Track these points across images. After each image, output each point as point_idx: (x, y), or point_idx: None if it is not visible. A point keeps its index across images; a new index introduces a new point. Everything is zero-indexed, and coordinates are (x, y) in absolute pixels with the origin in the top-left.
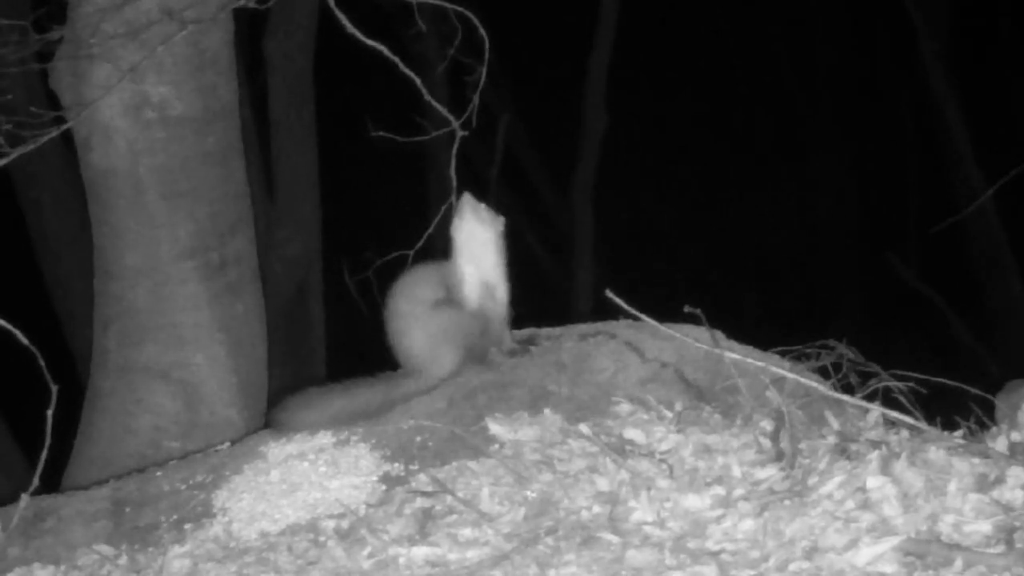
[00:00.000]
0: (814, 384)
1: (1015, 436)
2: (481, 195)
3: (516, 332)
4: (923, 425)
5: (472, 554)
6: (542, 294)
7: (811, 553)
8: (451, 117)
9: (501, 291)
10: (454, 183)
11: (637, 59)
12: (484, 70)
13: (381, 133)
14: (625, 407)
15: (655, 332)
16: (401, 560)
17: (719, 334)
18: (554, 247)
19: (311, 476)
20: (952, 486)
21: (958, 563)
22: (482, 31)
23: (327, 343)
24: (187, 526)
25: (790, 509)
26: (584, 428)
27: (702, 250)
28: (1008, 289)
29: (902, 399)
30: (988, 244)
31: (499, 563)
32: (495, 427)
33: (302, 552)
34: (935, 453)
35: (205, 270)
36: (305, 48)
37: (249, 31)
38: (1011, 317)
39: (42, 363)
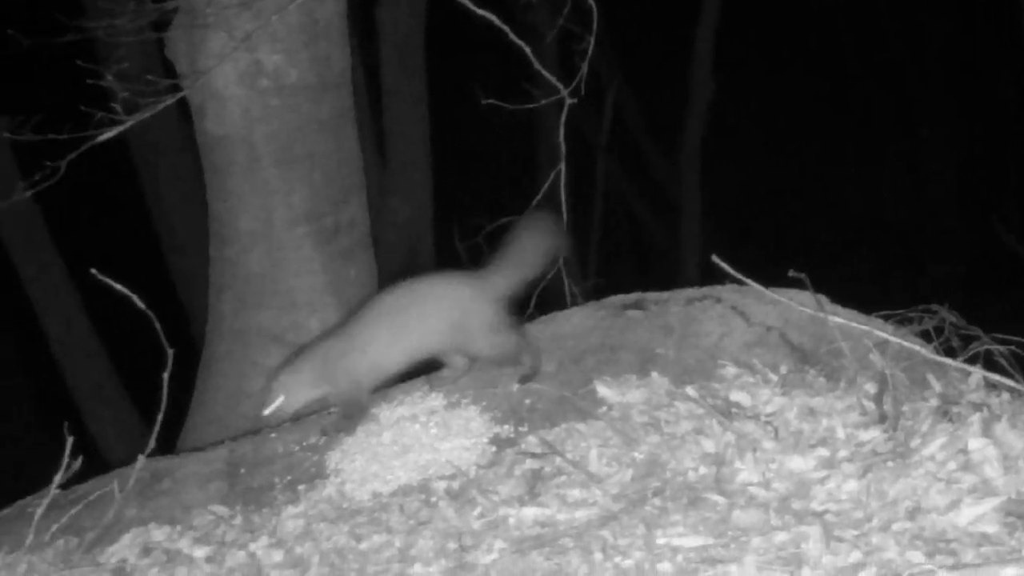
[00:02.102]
0: (917, 347)
1: None
2: (590, 162)
3: (625, 296)
4: None
5: (580, 514)
6: (650, 259)
7: (913, 513)
8: (560, 85)
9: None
10: (563, 150)
11: (744, 27)
12: (592, 39)
13: (491, 101)
14: (731, 370)
15: (760, 296)
16: (511, 520)
17: (823, 298)
18: (661, 213)
19: (422, 438)
20: None
21: None
22: (591, 0)
23: None
24: (301, 487)
25: (893, 470)
26: (691, 391)
27: (807, 215)
28: None
29: (1003, 362)
30: None
31: (607, 523)
32: (603, 390)
33: (413, 512)
34: None
35: (319, 235)
36: (417, 17)
37: (362, 1)
38: None
39: (158, 327)
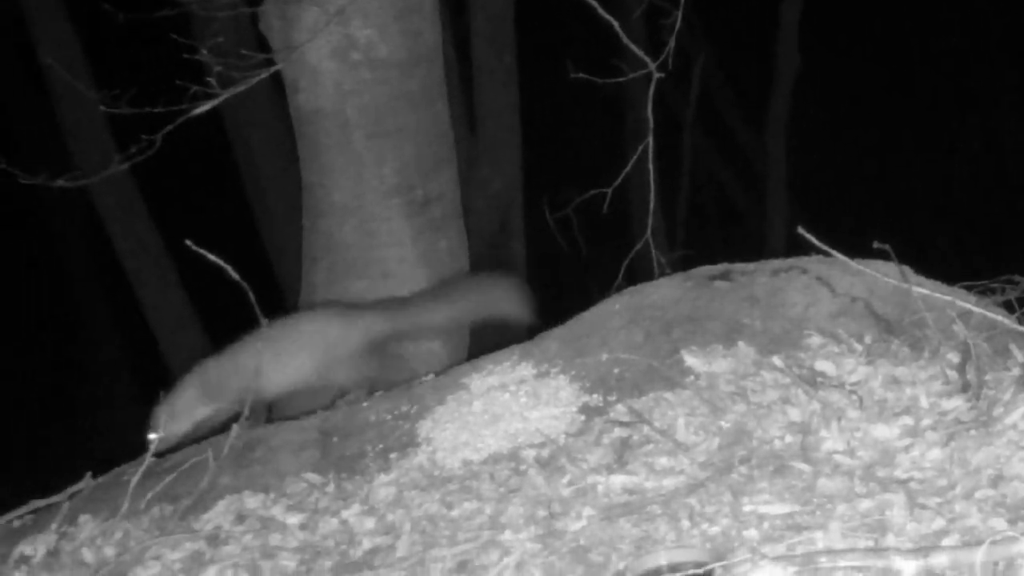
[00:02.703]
0: (999, 318)
1: None
2: (677, 135)
3: (711, 267)
4: None
5: (668, 482)
6: (736, 231)
7: (996, 481)
8: (648, 60)
9: None
10: (651, 123)
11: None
12: (680, 14)
13: (580, 75)
14: (816, 340)
15: (845, 267)
16: (599, 488)
17: (908, 269)
18: (748, 185)
19: (512, 407)
20: None
21: None
22: None
23: (527, 279)
24: (392, 455)
25: (976, 439)
26: (777, 360)
27: (891, 187)
28: None
29: None
30: None
31: (694, 491)
32: (691, 359)
33: (504, 480)
34: None
35: (410, 207)
36: None
37: None
38: None
39: (252, 298)
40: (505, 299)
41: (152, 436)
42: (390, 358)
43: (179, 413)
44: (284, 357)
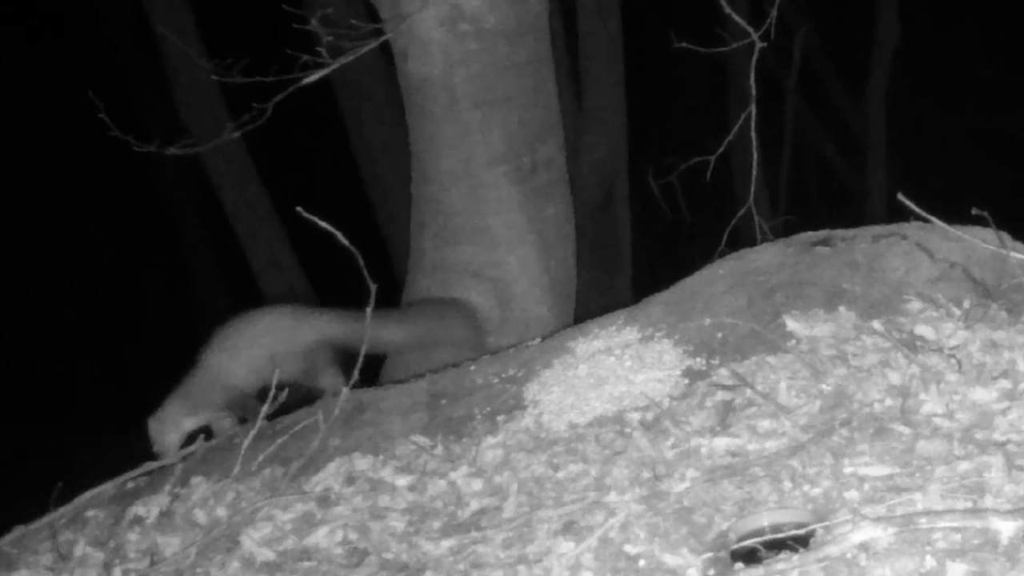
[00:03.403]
0: None
1: None
2: (779, 103)
3: (813, 233)
4: None
5: (770, 444)
6: (837, 198)
7: None
8: (751, 29)
9: None
10: (753, 92)
11: None
12: None
13: (684, 44)
14: (915, 304)
15: (944, 233)
16: (703, 450)
17: (1005, 235)
18: (849, 152)
19: (617, 370)
20: None
21: None
22: None
23: (632, 245)
24: (499, 418)
25: None
26: (877, 324)
27: (990, 154)
28: None
29: None
30: None
31: (796, 453)
32: (792, 323)
33: (609, 442)
34: None
35: (517, 174)
36: None
37: None
38: None
39: (361, 263)
40: (456, 325)
41: (158, 448)
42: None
43: (168, 427)
44: (240, 351)
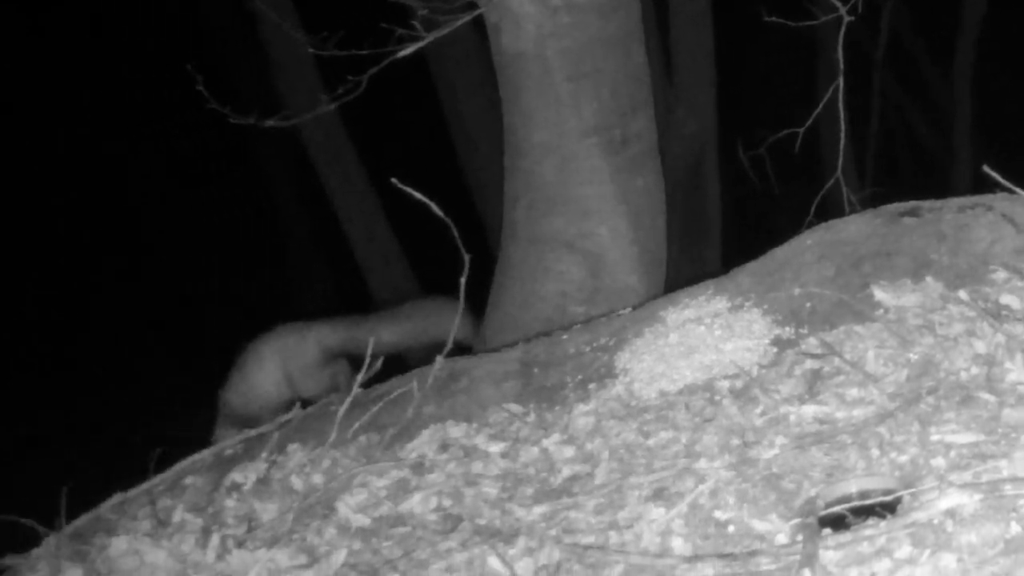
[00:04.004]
0: None
1: None
2: (867, 76)
3: (900, 204)
4: None
5: (858, 412)
6: (924, 169)
7: None
8: (839, 4)
9: None
10: (841, 65)
11: None
12: None
13: (773, 18)
14: (1001, 275)
15: None
16: (791, 417)
17: None
18: (935, 124)
19: (707, 339)
20: None
21: None
22: None
23: (722, 215)
24: (591, 386)
25: None
26: (963, 294)
27: None
28: None
29: None
30: None
31: (883, 420)
32: (880, 293)
33: (699, 410)
34: None
35: (608, 147)
36: None
37: None
38: None
39: (456, 234)
40: (450, 322)
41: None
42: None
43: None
44: (251, 374)
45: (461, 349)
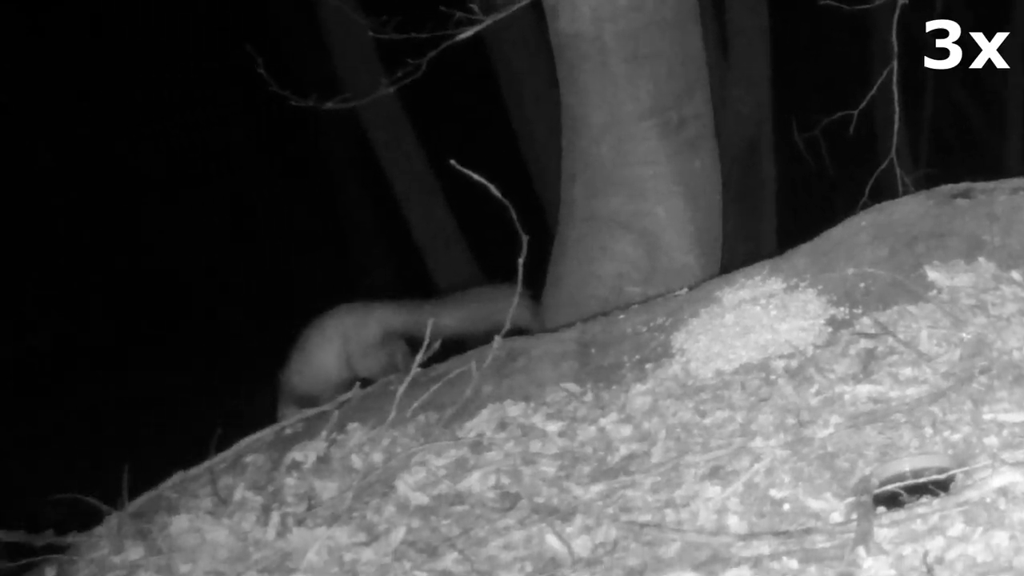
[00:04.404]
0: None
1: None
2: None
3: (953, 186)
4: None
5: (911, 391)
6: (975, 151)
7: None
8: None
9: None
10: (895, 47)
11: None
12: None
13: (828, 1)
14: None
15: None
16: (846, 397)
17: None
18: (988, 107)
19: (763, 319)
20: None
21: None
22: None
23: (777, 196)
24: (648, 365)
25: None
26: (1016, 275)
27: None
28: None
29: None
30: None
31: (936, 400)
32: (933, 274)
33: (754, 390)
34: None
35: (664, 128)
36: None
37: None
38: None
39: (514, 215)
40: (509, 307)
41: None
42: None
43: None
44: (312, 354)
45: (520, 333)
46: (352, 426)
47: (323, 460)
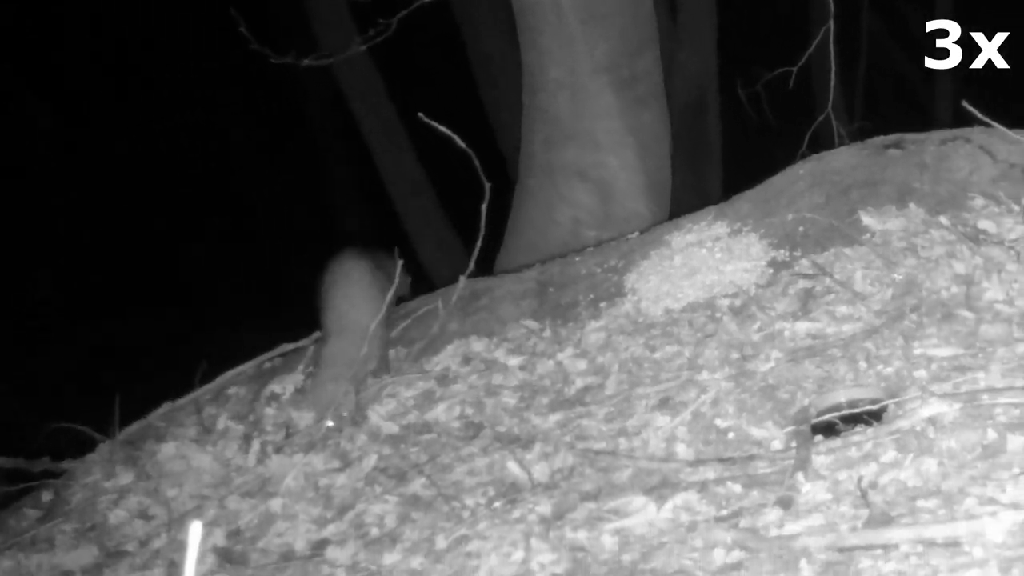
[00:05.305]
0: None
1: None
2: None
3: (885, 137)
4: None
5: (847, 328)
6: (908, 105)
7: None
8: None
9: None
10: (831, 8)
11: None
12: None
13: None
14: (979, 201)
15: (1005, 137)
16: (786, 333)
17: None
18: (919, 63)
19: (708, 261)
20: None
21: None
22: None
23: (722, 148)
24: (602, 304)
25: None
26: (943, 219)
27: None
28: None
29: None
30: None
31: (870, 336)
32: (867, 218)
33: (701, 326)
34: None
35: (617, 84)
36: None
37: None
38: None
39: (477, 164)
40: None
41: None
42: None
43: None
44: (356, 297)
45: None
46: None
47: (300, 392)
